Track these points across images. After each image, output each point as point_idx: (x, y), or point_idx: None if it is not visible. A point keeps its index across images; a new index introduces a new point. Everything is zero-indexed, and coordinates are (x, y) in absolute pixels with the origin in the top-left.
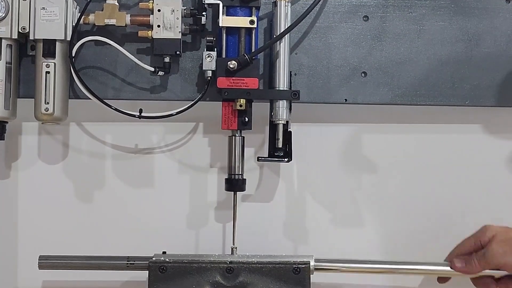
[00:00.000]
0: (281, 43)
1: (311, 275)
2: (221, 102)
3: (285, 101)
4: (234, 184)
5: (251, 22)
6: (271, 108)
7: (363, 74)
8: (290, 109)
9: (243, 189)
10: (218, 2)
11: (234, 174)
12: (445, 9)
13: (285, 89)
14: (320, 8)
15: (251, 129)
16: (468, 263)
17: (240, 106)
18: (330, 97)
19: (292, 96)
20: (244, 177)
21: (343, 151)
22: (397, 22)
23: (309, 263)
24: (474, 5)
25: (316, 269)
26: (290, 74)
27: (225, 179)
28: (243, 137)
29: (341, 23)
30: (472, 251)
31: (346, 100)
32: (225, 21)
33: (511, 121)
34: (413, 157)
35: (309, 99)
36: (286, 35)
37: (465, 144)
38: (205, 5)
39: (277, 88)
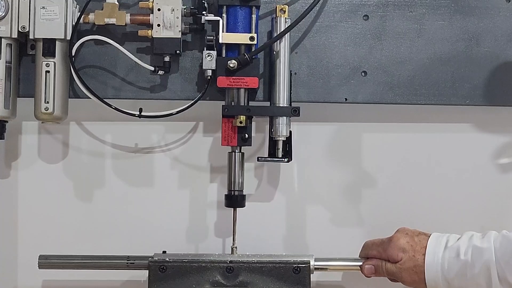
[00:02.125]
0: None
1: (311, 275)
2: (220, 102)
3: (285, 117)
4: (234, 200)
5: (251, 38)
6: (271, 124)
7: (363, 74)
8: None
9: (242, 205)
10: (218, 18)
11: (234, 190)
12: (445, 8)
13: (285, 105)
14: (320, 8)
15: (251, 145)
16: (377, 271)
17: (240, 122)
18: (330, 96)
19: (292, 112)
20: (243, 193)
21: (343, 150)
22: (397, 21)
23: (309, 263)
24: (474, 4)
25: (316, 269)
26: (291, 88)
27: (225, 195)
28: (243, 153)
29: (341, 22)
30: (379, 257)
31: (346, 99)
32: (225, 37)
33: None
34: (414, 157)
35: (309, 99)
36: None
37: (465, 144)
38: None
39: (277, 105)
